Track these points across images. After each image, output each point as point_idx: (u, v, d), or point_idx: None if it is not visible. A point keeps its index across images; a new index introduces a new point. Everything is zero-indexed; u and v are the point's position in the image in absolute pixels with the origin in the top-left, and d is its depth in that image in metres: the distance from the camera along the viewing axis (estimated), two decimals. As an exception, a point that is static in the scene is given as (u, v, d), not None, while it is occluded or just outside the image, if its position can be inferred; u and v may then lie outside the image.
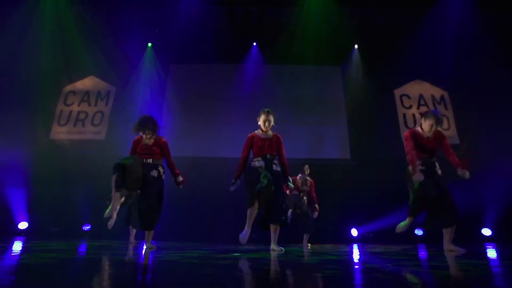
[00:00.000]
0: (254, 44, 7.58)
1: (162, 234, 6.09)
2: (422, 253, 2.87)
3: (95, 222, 6.26)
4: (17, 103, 6.63)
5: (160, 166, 3.18)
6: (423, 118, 3.16)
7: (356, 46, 7.66)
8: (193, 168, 6.41)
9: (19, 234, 6.15)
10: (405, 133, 3.30)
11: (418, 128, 3.19)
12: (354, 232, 6.24)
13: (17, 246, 2.95)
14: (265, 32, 7.46)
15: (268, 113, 3.29)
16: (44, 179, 6.32)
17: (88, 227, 6.28)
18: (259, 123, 3.32)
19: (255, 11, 7.22)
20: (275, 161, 3.20)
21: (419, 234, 6.03)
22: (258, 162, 3.12)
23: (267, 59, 7.43)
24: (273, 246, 2.92)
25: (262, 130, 3.30)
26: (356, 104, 7.15)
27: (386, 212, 5.97)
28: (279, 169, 3.18)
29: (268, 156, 3.15)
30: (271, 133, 3.32)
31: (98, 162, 6.59)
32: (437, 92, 7.34)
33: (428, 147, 3.08)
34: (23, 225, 6.26)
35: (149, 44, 7.67)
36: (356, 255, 2.62)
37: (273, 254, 2.54)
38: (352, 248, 3.73)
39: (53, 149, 6.91)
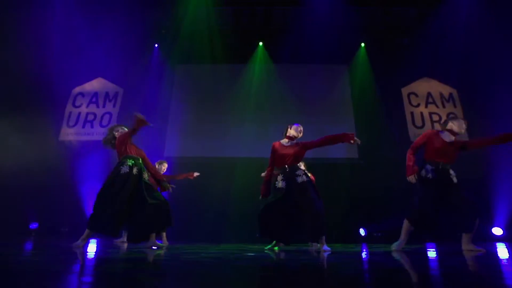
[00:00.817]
0: (260, 43, 7.58)
1: (170, 235, 6.15)
2: (433, 252, 2.84)
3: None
4: (27, 105, 6.73)
5: None
6: (452, 121, 3.04)
7: (362, 45, 7.62)
8: (200, 169, 6.44)
9: (30, 234, 6.26)
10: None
11: (444, 133, 3.03)
12: (362, 231, 6.20)
13: (29, 246, 2.99)
14: (271, 32, 7.46)
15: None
16: (54, 180, 6.42)
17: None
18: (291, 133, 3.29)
19: (261, 11, 7.22)
20: (298, 172, 3.10)
21: (498, 234, 5.93)
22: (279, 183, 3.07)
23: (274, 58, 7.43)
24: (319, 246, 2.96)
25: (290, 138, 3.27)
26: (363, 103, 7.11)
27: (394, 212, 5.92)
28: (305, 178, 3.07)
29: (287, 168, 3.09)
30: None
31: (105, 162, 6.67)
32: (446, 90, 7.26)
33: (447, 152, 2.93)
34: (34, 225, 6.36)
35: (156, 45, 7.74)
36: (369, 255, 2.60)
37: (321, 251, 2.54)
38: (362, 248, 3.71)
39: (63, 150, 7.00)
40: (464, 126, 3.01)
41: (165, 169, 4.81)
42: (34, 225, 6.37)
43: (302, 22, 7.09)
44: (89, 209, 6.30)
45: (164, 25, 7.32)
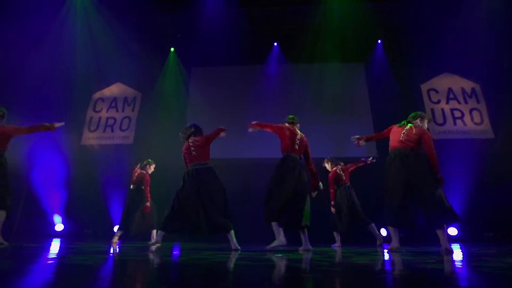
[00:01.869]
0: (275, 44, 7.58)
1: (188, 237, 6.22)
2: (459, 253, 2.75)
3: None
4: (50, 111, 6.96)
5: None
6: (425, 119, 3.32)
7: (379, 41, 7.48)
8: (219, 171, 6.49)
9: (56, 236, 6.47)
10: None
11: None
12: (383, 232, 6.07)
13: (55, 247, 3.09)
14: (286, 32, 7.44)
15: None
16: (77, 183, 6.62)
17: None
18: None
19: (275, 11, 7.22)
20: None
21: (453, 234, 5.80)
22: None
23: (289, 58, 7.41)
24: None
25: None
26: (381, 101, 6.98)
27: (413, 210, 5.79)
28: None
29: None
30: None
31: (127, 165, 6.83)
32: (468, 84, 7.03)
33: None
34: (59, 227, 6.58)
35: (172, 49, 7.86)
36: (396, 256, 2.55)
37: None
38: (384, 249, 3.64)
39: (85, 154, 7.21)
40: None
41: (153, 170, 5.01)
42: (60, 227, 6.58)
43: (317, 21, 7.04)
44: (112, 211, 6.47)
45: (179, 29, 7.43)
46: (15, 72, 7.13)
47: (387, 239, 5.91)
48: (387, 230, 6.05)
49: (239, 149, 6.75)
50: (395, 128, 3.36)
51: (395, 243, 3.11)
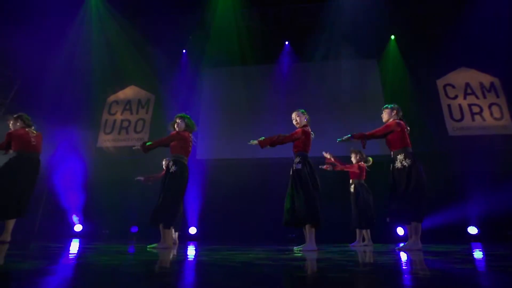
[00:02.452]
0: (286, 43, 7.55)
1: (205, 236, 6.27)
2: (479, 253, 2.68)
3: (142, 225, 6.59)
4: (67, 115, 7.14)
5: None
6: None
7: (392, 37, 7.36)
8: (232, 170, 6.53)
9: (75, 236, 6.63)
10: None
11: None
12: (400, 231, 5.98)
13: (74, 247, 3.16)
14: (297, 30, 7.40)
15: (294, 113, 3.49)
16: (94, 185, 6.76)
17: (135, 230, 6.60)
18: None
19: (286, 10, 7.19)
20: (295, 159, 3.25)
21: (473, 232, 5.64)
22: None
23: (301, 57, 7.37)
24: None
25: None
26: (395, 98, 6.84)
27: (432, 209, 5.68)
28: (299, 166, 3.14)
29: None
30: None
31: (142, 166, 6.93)
32: (486, 79, 6.83)
33: None
34: (78, 228, 6.74)
35: (184, 51, 7.94)
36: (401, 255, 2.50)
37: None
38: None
39: (101, 156, 7.36)
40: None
41: None
42: (78, 228, 6.74)
43: (328, 18, 6.98)
44: (129, 211, 6.57)
45: (191, 31, 7.49)
46: (34, 77, 7.35)
47: (402, 238, 5.84)
48: (404, 228, 5.96)
49: (253, 148, 6.74)
50: (403, 125, 3.30)
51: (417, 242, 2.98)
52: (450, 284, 1.09)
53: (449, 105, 6.80)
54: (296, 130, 3.38)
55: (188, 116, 3.61)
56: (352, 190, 4.73)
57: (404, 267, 1.60)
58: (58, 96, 7.11)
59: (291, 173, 3.23)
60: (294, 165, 3.21)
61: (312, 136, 3.46)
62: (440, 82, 7.02)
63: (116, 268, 1.45)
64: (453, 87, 6.93)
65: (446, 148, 6.40)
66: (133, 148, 3.42)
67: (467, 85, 6.86)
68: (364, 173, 4.85)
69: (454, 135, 6.52)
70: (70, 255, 2.12)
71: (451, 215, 5.67)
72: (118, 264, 1.63)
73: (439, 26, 7.10)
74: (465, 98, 6.77)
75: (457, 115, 6.66)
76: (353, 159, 4.93)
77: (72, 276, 1.21)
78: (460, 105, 6.74)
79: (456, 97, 6.84)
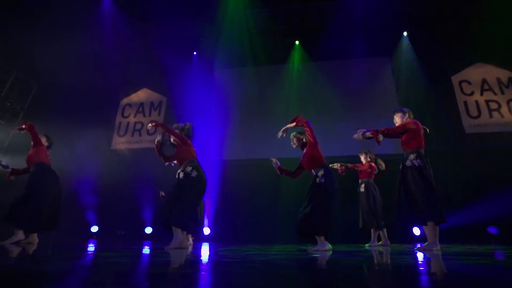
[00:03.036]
0: (297, 42, 7.52)
1: (220, 237, 6.30)
2: (499, 253, 2.59)
3: (156, 225, 6.67)
4: (83, 118, 7.29)
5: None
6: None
7: (405, 34, 7.23)
8: (246, 171, 6.54)
9: (91, 236, 6.76)
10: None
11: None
12: (416, 231, 5.87)
13: (92, 248, 3.22)
14: (307, 30, 7.36)
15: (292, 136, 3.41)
16: (109, 186, 6.88)
17: (150, 230, 6.68)
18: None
19: (296, 9, 7.15)
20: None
21: (493, 232, 5.49)
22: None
23: (312, 56, 7.33)
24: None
25: None
26: (409, 95, 6.74)
27: (449, 208, 5.55)
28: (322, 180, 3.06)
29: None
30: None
31: (155, 168, 7.02)
32: (504, 74, 6.63)
33: None
34: (94, 229, 6.87)
35: (194, 53, 8.00)
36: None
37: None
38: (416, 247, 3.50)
39: (115, 158, 7.49)
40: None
41: None
42: (95, 228, 6.87)
43: (338, 16, 6.91)
44: (143, 212, 6.67)
45: (202, 33, 7.54)
46: (50, 82, 7.54)
47: (419, 238, 5.72)
48: (421, 229, 5.85)
49: (266, 148, 6.75)
50: (420, 125, 3.25)
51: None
52: (470, 285, 1.06)
53: (465, 102, 6.63)
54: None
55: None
56: (362, 189, 4.67)
57: (425, 268, 1.57)
58: (73, 100, 7.27)
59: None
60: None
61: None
62: (455, 79, 6.86)
63: (136, 268, 1.46)
64: (469, 83, 6.76)
65: (463, 146, 6.25)
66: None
67: (484, 81, 6.68)
68: (374, 173, 4.81)
69: (471, 132, 6.36)
70: (92, 255, 2.16)
71: (470, 214, 5.53)
72: (138, 264, 1.65)
73: (453, 20, 6.93)
74: (482, 94, 6.60)
75: (474, 112, 6.49)
76: (363, 159, 4.90)
77: (99, 276, 1.23)
78: (476, 102, 6.56)
79: (472, 93, 6.67)
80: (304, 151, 3.32)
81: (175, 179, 3.32)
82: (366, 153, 4.91)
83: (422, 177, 2.95)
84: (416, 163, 3.01)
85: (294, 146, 3.41)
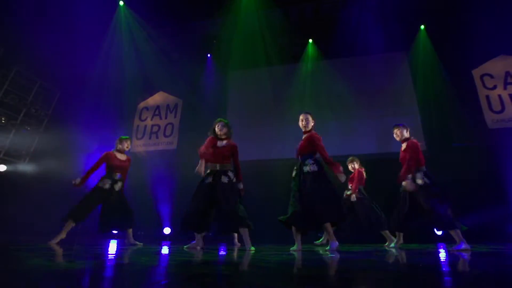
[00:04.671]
0: (310, 41, 7.47)
1: (231, 237, 6.35)
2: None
3: (175, 226, 6.80)
4: (103, 122, 7.53)
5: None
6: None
7: (422, 27, 7.04)
8: (262, 171, 6.56)
9: (111, 237, 6.97)
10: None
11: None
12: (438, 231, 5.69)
13: (113, 247, 3.32)
14: (321, 28, 7.29)
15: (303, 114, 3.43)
16: (129, 188, 7.06)
17: (168, 231, 6.82)
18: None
19: (309, 7, 7.10)
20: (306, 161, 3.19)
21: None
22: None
23: (326, 54, 7.26)
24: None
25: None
26: (428, 91, 6.56)
27: (472, 207, 5.36)
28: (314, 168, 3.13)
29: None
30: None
31: (173, 169, 7.16)
32: (529, 66, 6.34)
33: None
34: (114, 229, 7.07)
35: (208, 55, 8.10)
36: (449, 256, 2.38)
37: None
38: (439, 248, 3.41)
39: (134, 161, 7.68)
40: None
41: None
42: (167, 230, 7.07)
43: (352, 12, 6.81)
44: (162, 213, 6.81)
45: (215, 35, 7.62)
46: (71, 88, 7.83)
47: (441, 238, 5.56)
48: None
49: (280, 149, 6.75)
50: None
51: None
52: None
53: (487, 96, 6.39)
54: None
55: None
56: (354, 198, 4.61)
57: (456, 269, 1.53)
58: (93, 105, 7.52)
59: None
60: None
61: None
62: (476, 72, 6.62)
63: (156, 268, 1.51)
64: (491, 76, 6.50)
65: (486, 142, 6.02)
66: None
67: (507, 74, 6.41)
68: (364, 179, 4.82)
69: (494, 127, 6.12)
70: (111, 255, 2.24)
71: (493, 212, 5.32)
72: (157, 264, 1.70)
73: (472, 11, 6.67)
74: (505, 88, 6.33)
75: (496, 107, 6.24)
76: (351, 168, 4.86)
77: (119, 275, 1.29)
78: (500, 96, 6.31)
79: (495, 87, 6.42)
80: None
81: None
82: (352, 161, 4.85)
83: (430, 193, 3.12)
84: (427, 181, 3.19)
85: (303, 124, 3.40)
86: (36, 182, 7.25)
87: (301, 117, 3.39)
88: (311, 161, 3.17)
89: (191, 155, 7.08)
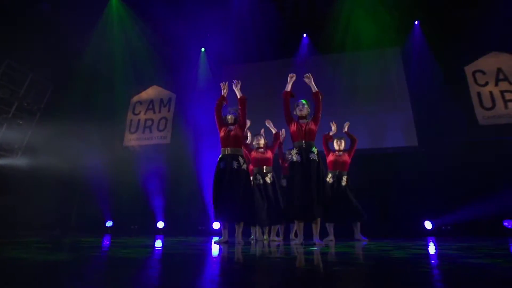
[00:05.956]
0: (304, 35, 7.45)
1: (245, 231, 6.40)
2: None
3: (168, 220, 6.83)
4: (96, 116, 7.49)
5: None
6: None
7: (416, 22, 7.05)
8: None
9: (107, 231, 6.99)
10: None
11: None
12: (428, 224, 5.79)
13: (109, 241, 3.34)
14: (315, 22, 7.26)
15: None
16: (122, 183, 7.07)
17: (162, 225, 6.85)
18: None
19: (303, 1, 7.06)
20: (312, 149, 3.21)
21: (510, 226, 5.36)
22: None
23: (320, 49, 7.24)
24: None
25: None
26: (420, 86, 6.60)
27: (461, 202, 5.46)
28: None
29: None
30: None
31: (166, 164, 7.16)
32: (521, 63, 6.39)
33: None
34: (109, 223, 7.10)
35: (203, 49, 8.05)
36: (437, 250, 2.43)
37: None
38: (429, 242, 3.47)
39: (127, 155, 7.68)
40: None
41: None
42: (109, 223, 7.10)
43: (347, 7, 6.79)
44: (155, 207, 6.83)
45: (209, 28, 7.56)
46: (64, 82, 7.76)
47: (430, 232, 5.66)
48: (432, 223, 5.78)
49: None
50: None
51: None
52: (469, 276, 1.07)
53: (478, 93, 6.44)
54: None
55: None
56: (345, 182, 4.32)
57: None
58: (86, 100, 7.47)
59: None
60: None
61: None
62: (468, 69, 6.65)
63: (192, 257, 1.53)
64: (483, 73, 6.54)
65: (477, 138, 6.09)
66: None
67: (499, 70, 6.44)
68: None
69: (485, 124, 6.19)
70: (103, 248, 2.26)
71: (484, 207, 5.41)
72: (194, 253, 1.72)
73: (467, 7, 6.69)
74: (496, 84, 6.38)
75: (487, 103, 6.29)
76: (343, 146, 4.51)
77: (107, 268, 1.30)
78: (491, 92, 6.35)
79: (486, 84, 6.46)
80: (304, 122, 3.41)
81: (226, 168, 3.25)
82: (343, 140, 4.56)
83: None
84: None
85: (300, 112, 3.48)
86: (28, 176, 7.22)
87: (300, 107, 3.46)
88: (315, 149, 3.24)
89: (184, 149, 7.12)
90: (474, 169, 5.65)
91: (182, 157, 7.05)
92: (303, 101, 3.49)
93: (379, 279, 1.15)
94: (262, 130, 4.65)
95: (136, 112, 8.10)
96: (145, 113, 8.01)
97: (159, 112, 7.94)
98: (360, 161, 5.93)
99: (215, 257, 1.85)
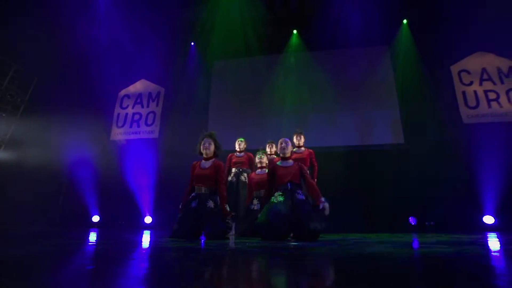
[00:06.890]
0: (295, 32, 7.45)
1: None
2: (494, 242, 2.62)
3: (156, 215, 6.80)
4: (82, 110, 7.35)
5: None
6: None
7: (405, 21, 7.13)
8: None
9: (93, 226, 6.92)
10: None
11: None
12: (412, 221, 5.92)
13: (93, 237, 3.31)
14: (305, 18, 7.27)
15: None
16: (109, 177, 6.99)
17: (149, 220, 6.81)
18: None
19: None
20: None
21: (490, 222, 5.53)
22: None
23: (309, 46, 7.27)
24: None
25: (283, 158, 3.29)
26: (407, 85, 6.70)
27: (445, 199, 5.59)
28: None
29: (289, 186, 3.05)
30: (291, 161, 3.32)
31: (154, 159, 7.10)
32: (504, 63, 6.54)
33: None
34: (95, 218, 7.02)
35: (192, 43, 7.97)
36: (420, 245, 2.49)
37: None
38: (413, 238, 3.55)
39: (114, 149, 7.58)
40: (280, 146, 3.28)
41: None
42: (96, 218, 7.02)
43: (336, 4, 6.82)
44: (142, 202, 6.78)
45: (199, 23, 7.49)
46: (49, 74, 7.58)
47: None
48: (415, 219, 5.91)
49: (261, 140, 6.77)
50: None
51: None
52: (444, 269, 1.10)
53: (463, 92, 6.58)
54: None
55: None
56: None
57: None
58: (72, 92, 7.33)
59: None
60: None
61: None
62: (454, 68, 6.78)
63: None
64: (468, 73, 6.68)
65: (460, 136, 6.24)
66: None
67: (483, 70, 6.59)
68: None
69: (469, 122, 6.33)
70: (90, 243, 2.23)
71: (466, 204, 5.57)
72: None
73: (455, 8, 6.80)
74: (481, 84, 6.53)
75: (472, 102, 6.44)
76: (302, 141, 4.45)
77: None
78: (475, 92, 6.50)
79: (471, 83, 6.60)
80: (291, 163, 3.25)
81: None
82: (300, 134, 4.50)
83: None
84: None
85: (283, 151, 3.28)
86: (12, 170, 7.07)
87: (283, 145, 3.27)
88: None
89: (172, 144, 7.07)
90: (457, 166, 5.79)
91: (170, 152, 7.01)
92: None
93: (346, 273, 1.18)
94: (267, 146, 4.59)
95: (124, 106, 7.99)
96: (133, 107, 7.92)
97: (148, 106, 7.85)
98: (347, 157, 6.00)
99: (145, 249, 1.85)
